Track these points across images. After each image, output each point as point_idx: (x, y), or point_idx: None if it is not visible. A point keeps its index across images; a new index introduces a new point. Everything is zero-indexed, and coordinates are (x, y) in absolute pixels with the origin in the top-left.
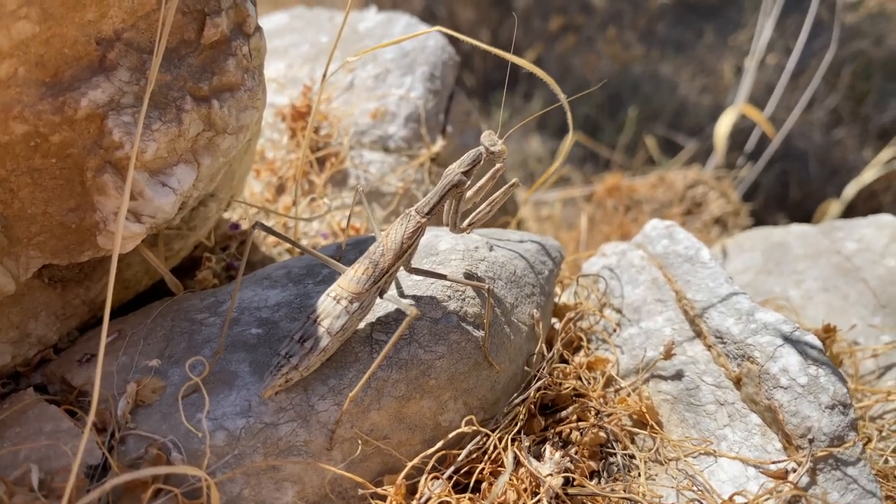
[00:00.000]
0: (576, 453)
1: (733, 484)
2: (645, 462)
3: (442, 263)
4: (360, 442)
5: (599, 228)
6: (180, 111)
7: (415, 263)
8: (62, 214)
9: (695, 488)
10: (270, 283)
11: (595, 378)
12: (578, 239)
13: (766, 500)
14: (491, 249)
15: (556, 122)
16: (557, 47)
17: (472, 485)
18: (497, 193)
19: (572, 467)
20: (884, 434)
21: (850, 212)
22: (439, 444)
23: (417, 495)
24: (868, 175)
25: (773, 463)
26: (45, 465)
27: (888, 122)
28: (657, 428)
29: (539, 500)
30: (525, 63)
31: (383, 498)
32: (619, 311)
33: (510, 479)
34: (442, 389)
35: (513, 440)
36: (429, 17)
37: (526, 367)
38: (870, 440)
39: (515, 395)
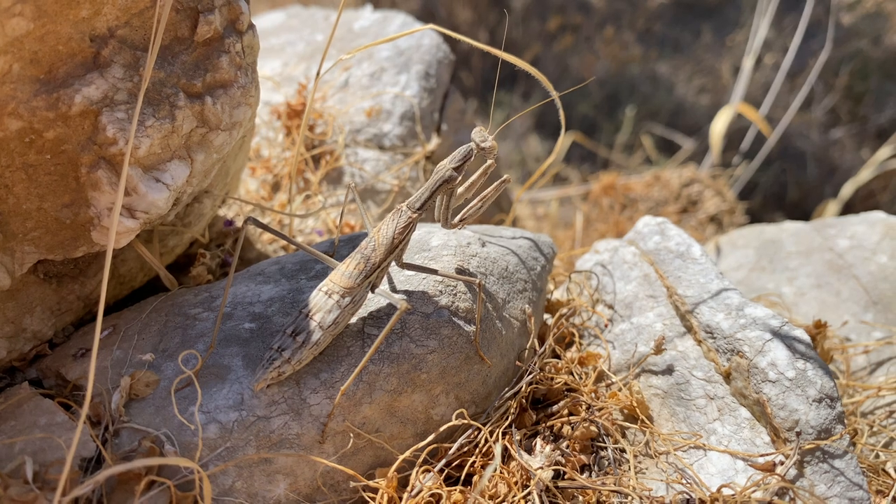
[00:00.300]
0: (567, 447)
1: (722, 477)
2: (635, 456)
3: (434, 259)
4: (351, 435)
5: (595, 227)
6: (174, 108)
7: (407, 259)
8: (57, 210)
9: (684, 481)
10: (264, 278)
11: (587, 373)
12: (574, 237)
13: (754, 492)
14: (483, 245)
15: (554, 122)
16: (555, 47)
17: (463, 478)
18: (488, 189)
19: (563, 461)
20: (874, 429)
21: (848, 211)
22: (431, 438)
23: (409, 488)
24: (865, 174)
25: (762, 456)
26: (39, 457)
27: (886, 121)
28: (648, 422)
29: (529, 493)
30: (517, 60)
31: (375, 490)
32: (610, 306)
33: (501, 473)
34: (433, 383)
35: (504, 434)
36: (427, 16)
37: (518, 362)
38: (858, 434)
39: (507, 389)
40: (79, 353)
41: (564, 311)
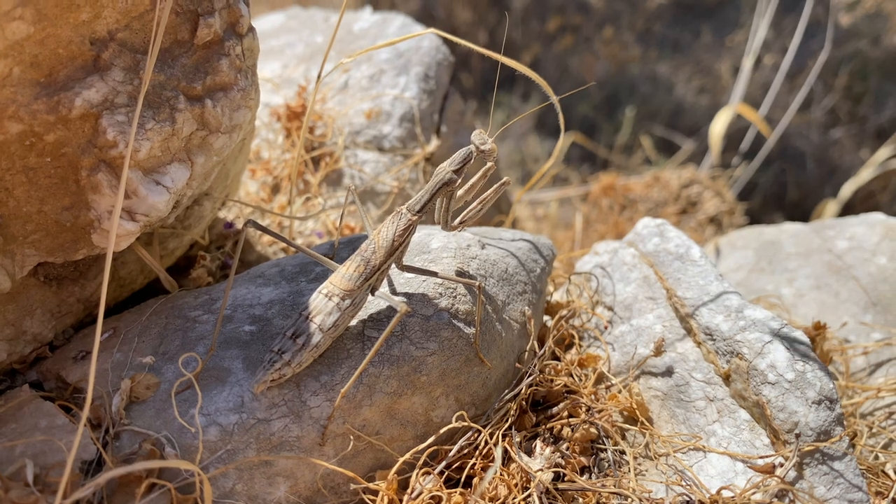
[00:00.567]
0: (567, 449)
1: (722, 479)
2: (635, 457)
3: (434, 261)
4: (352, 437)
5: (595, 228)
6: (174, 110)
7: (407, 261)
8: (57, 213)
9: (684, 483)
10: (264, 280)
11: (586, 375)
12: (574, 238)
13: (754, 494)
14: (483, 248)
15: (554, 123)
16: (555, 48)
17: (463, 480)
18: (488, 192)
19: (563, 463)
20: (874, 430)
21: (848, 212)
22: (431, 440)
23: (409, 490)
24: (865, 175)
25: (761, 458)
26: (40, 460)
27: (885, 121)
28: (647, 424)
29: (529, 495)
30: (515, 63)
31: (375, 493)
32: (610, 308)
33: (501, 475)
34: (433, 386)
35: (504, 436)
36: (426, 17)
37: (517, 364)
38: (857, 436)
39: (507, 391)
40: (79, 356)
41: (564, 312)
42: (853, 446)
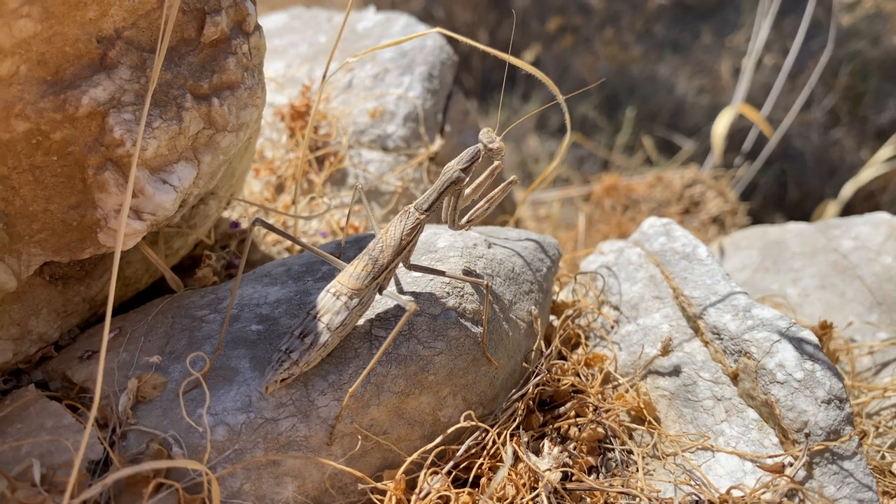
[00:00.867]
0: (574, 449)
1: (730, 478)
2: (643, 457)
3: (441, 260)
4: (359, 437)
5: (597, 228)
6: (181, 109)
7: (414, 260)
8: (63, 212)
9: (692, 483)
10: (270, 280)
11: (593, 374)
12: (576, 238)
13: (763, 493)
14: (489, 247)
15: (553, 123)
16: (555, 48)
17: (471, 480)
18: (496, 191)
19: (571, 462)
20: (880, 430)
21: (848, 212)
22: (438, 440)
23: (417, 490)
24: (865, 175)
25: (770, 457)
26: (46, 460)
27: (885, 122)
28: (655, 423)
29: (538, 495)
30: (523, 64)
31: (383, 493)
32: (616, 308)
33: (509, 474)
34: (441, 385)
35: (511, 436)
36: (427, 17)
37: (524, 364)
38: (864, 435)
39: (514, 390)
40: (85, 356)
41: (570, 312)
42: (860, 446)
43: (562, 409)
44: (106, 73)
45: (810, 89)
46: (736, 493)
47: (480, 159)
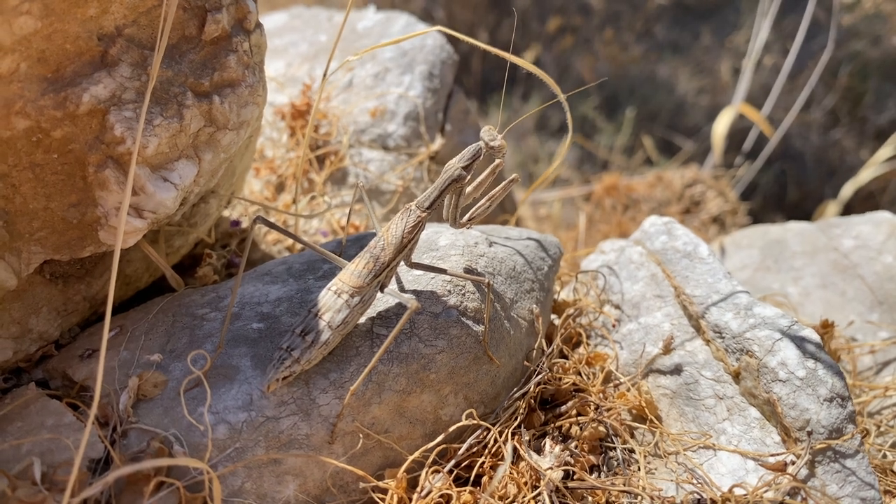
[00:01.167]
0: (576, 447)
1: (732, 477)
2: (644, 456)
3: (442, 259)
4: (361, 435)
5: (598, 227)
6: (181, 107)
7: (415, 258)
8: (64, 210)
9: (694, 481)
10: (271, 278)
11: (594, 373)
12: (577, 238)
13: (766, 492)
14: (490, 245)
15: (553, 123)
16: (555, 48)
17: (472, 478)
18: (497, 189)
19: (572, 461)
20: (882, 429)
21: (848, 212)
22: (440, 438)
23: (418, 489)
24: (865, 175)
25: (772, 455)
26: (47, 458)
27: (885, 122)
28: (656, 422)
29: (539, 494)
30: (524, 62)
31: (384, 491)
32: (618, 307)
33: (511, 473)
34: (442, 383)
35: (513, 434)
36: (427, 18)
37: (526, 362)
38: (868, 434)
39: (515, 389)
40: (85, 354)
41: (571, 311)
42: (863, 444)
43: (563, 408)
44: (107, 71)
45: (810, 90)
46: (738, 492)
47: (482, 157)
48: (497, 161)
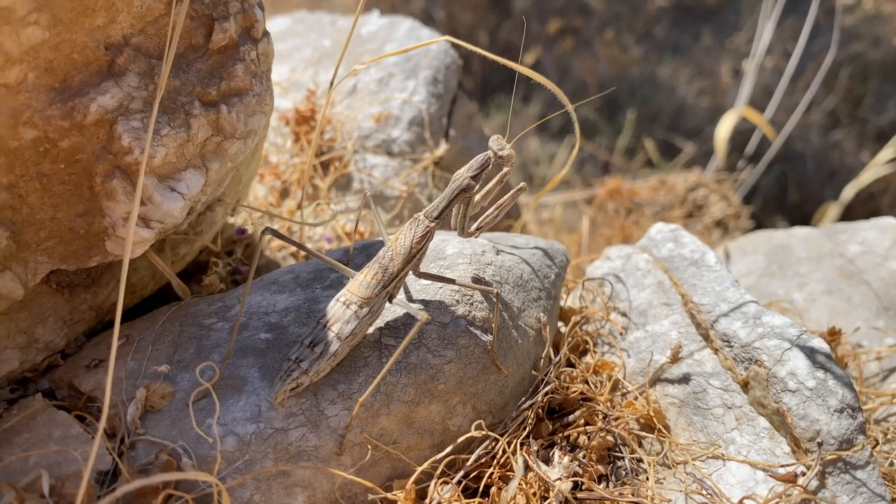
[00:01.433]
0: (584, 457)
1: (742, 487)
2: (653, 466)
3: (450, 268)
4: (369, 447)
5: (601, 231)
6: (189, 116)
7: (423, 268)
8: (71, 220)
9: (704, 492)
10: (278, 287)
11: (602, 382)
12: (580, 242)
13: (776, 503)
14: (497, 254)
15: (554, 125)
16: (555, 50)
17: (481, 489)
18: (505, 197)
19: (581, 471)
20: (889, 436)
21: (849, 214)
22: (448, 449)
23: (427, 500)
24: (866, 177)
25: (782, 466)
26: (55, 471)
27: (885, 123)
28: (665, 431)
29: None
30: (533, 74)
31: (393, 503)
32: (624, 314)
33: (519, 484)
34: (451, 394)
35: (521, 444)
36: (427, 19)
37: (533, 372)
38: (876, 444)
39: (523, 399)
40: (92, 364)
41: (578, 318)
42: (873, 455)
43: (571, 417)
44: (114, 81)
45: (813, 91)
46: (748, 503)
47: (490, 166)
48: (505, 170)
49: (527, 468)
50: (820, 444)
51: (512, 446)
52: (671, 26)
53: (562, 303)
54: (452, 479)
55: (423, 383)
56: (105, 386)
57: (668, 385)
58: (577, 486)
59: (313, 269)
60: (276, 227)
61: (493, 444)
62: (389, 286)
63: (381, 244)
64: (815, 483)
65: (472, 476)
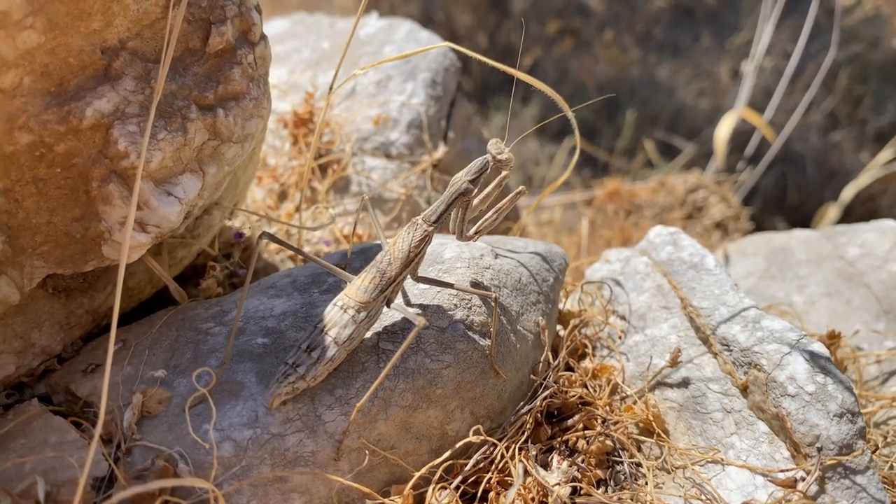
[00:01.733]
0: (583, 462)
1: (741, 492)
2: (652, 470)
3: (448, 272)
4: (367, 452)
5: (600, 233)
6: (185, 120)
7: (421, 272)
8: (67, 224)
9: (703, 497)
10: (276, 291)
11: (601, 386)
12: (579, 244)
13: None
14: (496, 257)
15: (553, 126)
16: (555, 51)
17: (479, 494)
18: (504, 201)
19: (579, 476)
20: (889, 440)
21: (848, 215)
22: (446, 454)
23: None
24: (865, 178)
25: (782, 471)
26: (50, 477)
27: (885, 124)
28: (664, 436)
29: None
30: (531, 79)
31: None
32: (623, 317)
33: (518, 489)
34: (449, 399)
35: (520, 449)
36: (426, 20)
37: (532, 376)
38: (876, 447)
39: (522, 403)
40: (89, 369)
41: (577, 322)
42: (873, 459)
43: (570, 422)
44: (110, 85)
45: (813, 92)
46: None
47: (489, 170)
48: (504, 173)
49: (526, 473)
50: (819, 449)
51: (510, 451)
52: (670, 27)
53: (561, 306)
54: (450, 484)
55: (421, 388)
56: (101, 391)
57: (668, 389)
58: (575, 491)
59: (311, 273)
60: (273, 230)
61: (492, 449)
62: (387, 290)
63: (379, 248)
64: (814, 488)
65: (470, 481)
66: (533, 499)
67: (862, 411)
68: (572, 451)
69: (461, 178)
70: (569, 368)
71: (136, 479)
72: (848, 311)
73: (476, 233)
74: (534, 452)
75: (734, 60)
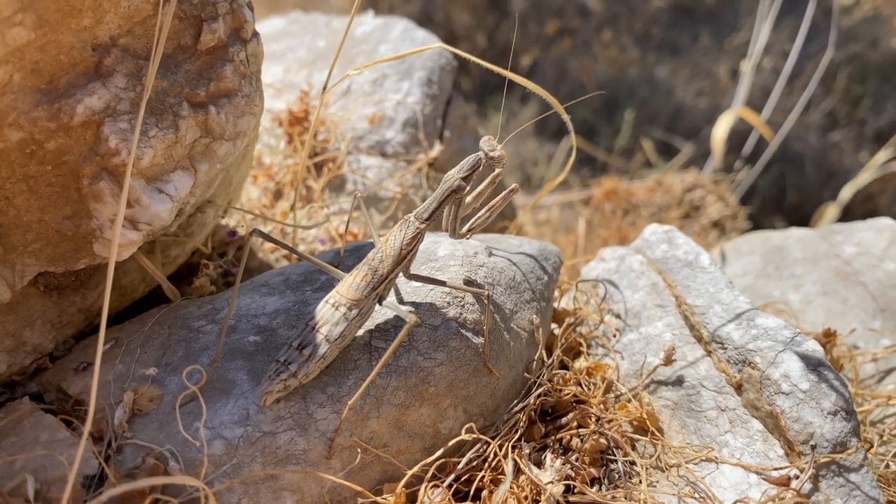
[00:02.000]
0: (576, 460)
1: (735, 490)
2: (646, 468)
3: (441, 269)
4: (359, 450)
5: (597, 232)
6: (177, 117)
7: (414, 269)
8: (58, 222)
9: (697, 495)
10: (268, 289)
11: (595, 384)
12: (576, 243)
13: None
14: (490, 255)
15: (552, 126)
16: (553, 51)
17: (472, 493)
18: (497, 199)
19: (573, 474)
20: (884, 438)
21: (847, 215)
22: (439, 452)
23: (417, 503)
24: (864, 178)
25: (776, 469)
26: (40, 475)
27: (884, 124)
28: (658, 434)
29: None
30: (525, 81)
31: None
32: (618, 316)
33: (511, 487)
34: (441, 397)
35: (513, 447)
36: (425, 20)
37: (526, 374)
38: (871, 445)
39: (515, 401)
40: (80, 367)
41: (571, 320)
42: (867, 457)
43: (564, 420)
44: (101, 82)
45: (811, 92)
46: None
47: (481, 167)
48: (497, 171)
49: (518, 471)
50: (813, 447)
51: (504, 449)
52: (669, 27)
53: (555, 304)
54: (443, 482)
55: (413, 386)
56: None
57: (662, 387)
58: (569, 490)
59: (304, 271)
60: (268, 229)
61: (485, 447)
62: (379, 288)
63: (373, 246)
64: (808, 486)
65: (463, 479)
66: (526, 497)
67: (858, 410)
68: (566, 450)
69: (453, 175)
70: (563, 366)
71: (127, 476)
72: (844, 309)
73: (469, 230)
74: (527, 451)
75: (733, 60)
